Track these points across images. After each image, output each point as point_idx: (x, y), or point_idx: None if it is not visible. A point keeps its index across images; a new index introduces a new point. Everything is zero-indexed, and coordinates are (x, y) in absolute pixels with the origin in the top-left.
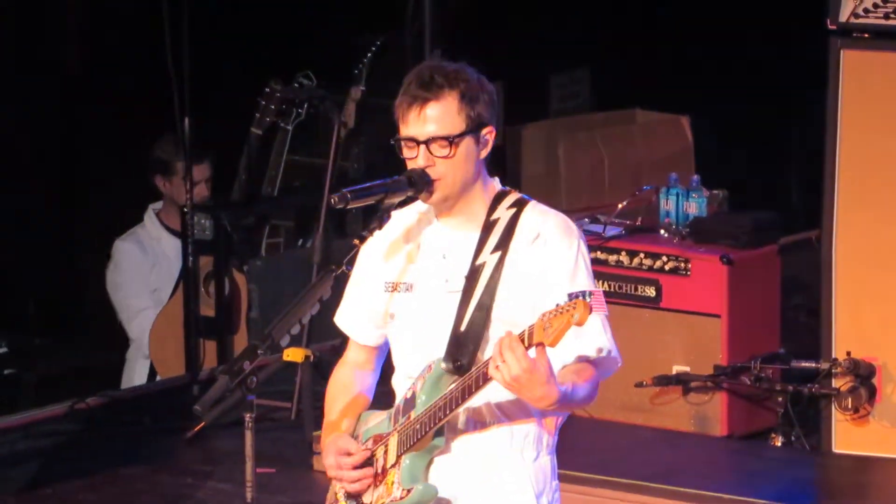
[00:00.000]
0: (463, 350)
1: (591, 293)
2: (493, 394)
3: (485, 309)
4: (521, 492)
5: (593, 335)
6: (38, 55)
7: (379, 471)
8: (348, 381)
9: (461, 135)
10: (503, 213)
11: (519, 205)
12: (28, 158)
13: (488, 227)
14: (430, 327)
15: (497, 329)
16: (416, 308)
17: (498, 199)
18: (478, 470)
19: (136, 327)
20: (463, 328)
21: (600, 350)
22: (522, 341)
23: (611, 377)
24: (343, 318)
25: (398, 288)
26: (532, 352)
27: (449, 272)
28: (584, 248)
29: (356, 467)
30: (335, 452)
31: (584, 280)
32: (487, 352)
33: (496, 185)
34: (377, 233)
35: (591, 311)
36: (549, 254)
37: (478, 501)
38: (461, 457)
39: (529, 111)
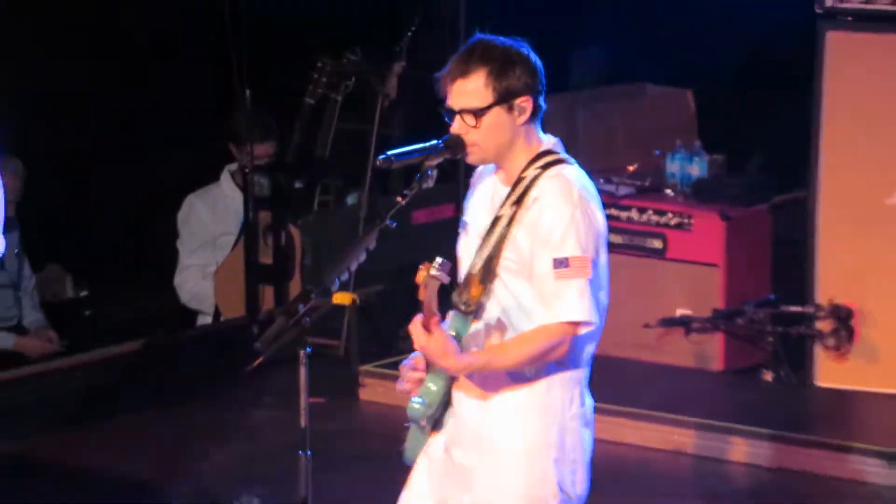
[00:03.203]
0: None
1: (568, 259)
2: (510, 325)
3: (491, 257)
4: (526, 419)
5: (567, 301)
6: (109, 34)
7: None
8: None
9: (487, 108)
10: (531, 172)
11: (547, 166)
12: (102, 128)
13: (517, 183)
14: (466, 263)
15: (501, 275)
16: (464, 245)
17: (536, 159)
18: (486, 395)
19: (178, 276)
20: (474, 271)
21: (567, 316)
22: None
23: (622, 319)
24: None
25: (465, 226)
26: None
27: (485, 219)
28: (580, 216)
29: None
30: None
31: (571, 246)
32: (490, 294)
33: (545, 144)
34: (478, 176)
35: (434, 281)
36: (542, 218)
37: (480, 422)
38: (477, 383)
39: (551, 85)
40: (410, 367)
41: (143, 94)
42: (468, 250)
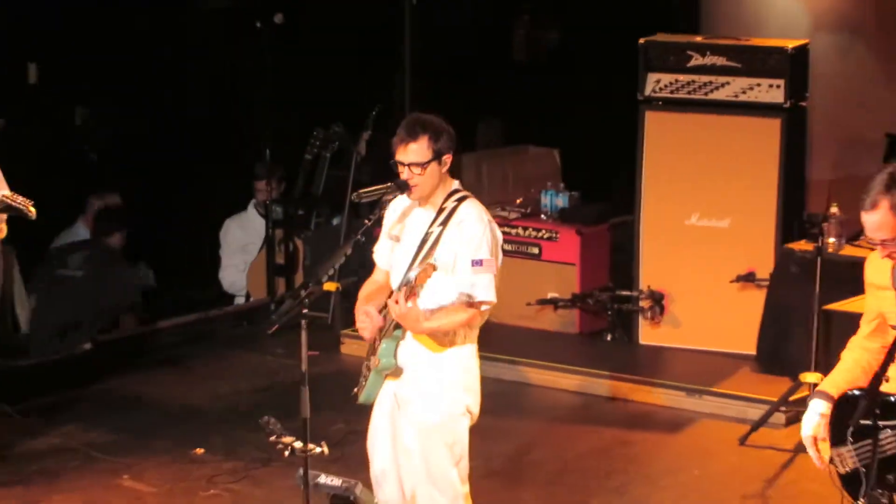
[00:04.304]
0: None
1: (482, 260)
2: (436, 304)
3: (426, 258)
4: (446, 364)
5: (481, 288)
6: (181, 108)
7: (375, 344)
8: (372, 284)
9: (428, 162)
10: (450, 204)
11: (460, 200)
12: (173, 175)
13: (440, 210)
14: (401, 265)
15: (435, 275)
16: (398, 253)
17: (451, 195)
18: (421, 351)
19: (221, 272)
20: (411, 269)
21: (481, 297)
22: (412, 285)
23: (510, 299)
24: (375, 253)
25: (397, 239)
26: (410, 303)
27: (416, 235)
28: (489, 233)
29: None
30: (364, 312)
31: (484, 252)
32: (425, 290)
33: (452, 185)
34: (396, 205)
35: (433, 270)
36: (464, 233)
37: (417, 369)
38: (413, 343)
39: (465, 146)
40: (364, 312)
41: (198, 152)
42: (404, 255)
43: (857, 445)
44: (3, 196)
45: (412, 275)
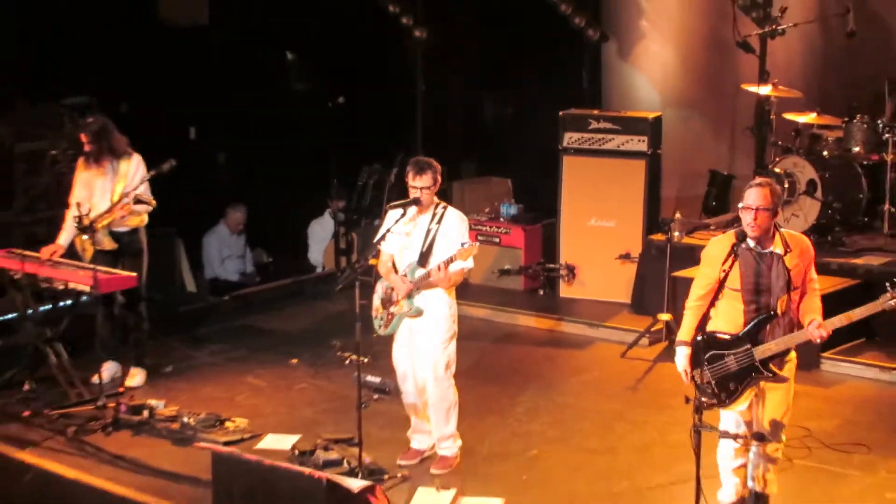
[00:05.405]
0: (424, 259)
1: (472, 243)
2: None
3: (431, 245)
4: (446, 302)
5: (468, 259)
6: (276, 151)
7: (395, 299)
8: (385, 264)
9: (432, 186)
10: (439, 210)
11: (444, 207)
12: (280, 193)
13: (434, 215)
14: (410, 251)
15: (436, 254)
16: (409, 243)
17: (437, 205)
18: (434, 298)
19: (309, 253)
20: (423, 251)
21: (467, 265)
22: (452, 258)
23: (482, 269)
24: (383, 245)
25: (406, 233)
26: (452, 266)
27: (420, 231)
28: (467, 225)
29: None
30: (400, 279)
31: (466, 238)
32: (432, 262)
33: (435, 199)
34: (394, 214)
35: (476, 248)
36: (453, 228)
37: (429, 307)
38: (428, 294)
39: (455, 177)
40: (400, 279)
41: (294, 181)
42: (414, 243)
43: (710, 366)
44: (137, 193)
45: (454, 253)
